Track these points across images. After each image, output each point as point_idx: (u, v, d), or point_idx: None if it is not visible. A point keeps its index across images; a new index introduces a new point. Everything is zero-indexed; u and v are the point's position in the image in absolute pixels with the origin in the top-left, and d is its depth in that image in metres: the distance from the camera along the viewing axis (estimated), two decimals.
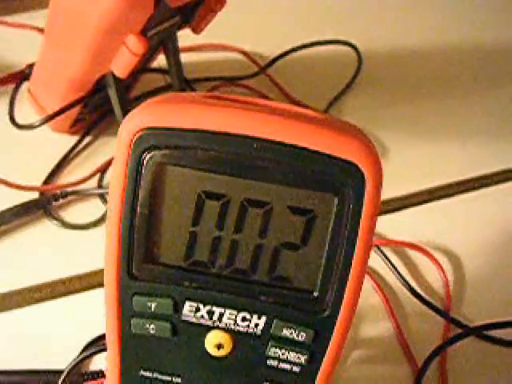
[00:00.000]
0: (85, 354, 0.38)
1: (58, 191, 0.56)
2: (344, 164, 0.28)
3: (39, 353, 0.46)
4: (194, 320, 0.30)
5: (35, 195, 0.57)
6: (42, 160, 0.60)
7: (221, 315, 0.30)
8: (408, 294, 0.52)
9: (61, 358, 0.44)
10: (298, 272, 0.29)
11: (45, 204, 0.56)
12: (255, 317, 0.30)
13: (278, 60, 0.72)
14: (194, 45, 0.71)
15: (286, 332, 0.30)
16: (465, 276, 0.54)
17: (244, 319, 0.30)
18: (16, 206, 0.54)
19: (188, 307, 0.30)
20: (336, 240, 0.29)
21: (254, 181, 0.28)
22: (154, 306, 0.30)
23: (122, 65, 0.48)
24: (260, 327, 0.30)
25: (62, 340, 0.47)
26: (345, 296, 0.29)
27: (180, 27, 0.54)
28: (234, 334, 0.30)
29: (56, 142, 0.61)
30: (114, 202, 0.29)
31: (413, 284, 0.53)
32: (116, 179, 0.29)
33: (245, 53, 0.73)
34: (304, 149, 0.28)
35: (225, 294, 0.30)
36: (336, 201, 0.28)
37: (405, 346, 0.49)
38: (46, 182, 0.58)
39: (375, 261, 0.54)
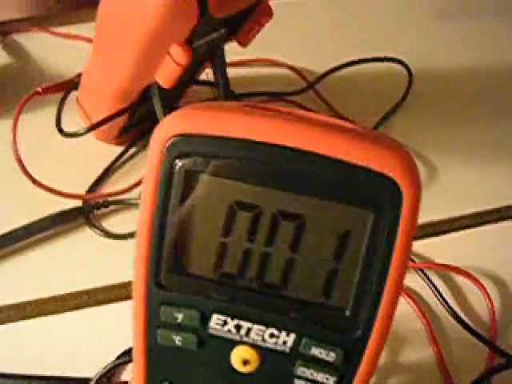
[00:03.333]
0: (112, 363, 0.37)
1: (100, 200, 0.56)
2: (380, 178, 0.26)
3: (72, 360, 0.46)
4: (220, 334, 0.29)
5: (79, 204, 0.57)
6: (87, 169, 0.60)
7: (248, 330, 0.29)
8: (451, 319, 0.50)
9: (92, 367, 0.44)
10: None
11: (87, 212, 0.56)
12: (284, 334, 0.29)
13: (326, 76, 0.71)
14: (242, 59, 0.71)
15: (314, 351, 0.29)
16: None
17: (272, 335, 0.29)
18: (58, 213, 0.55)
19: (215, 320, 0.29)
20: (370, 258, 0.27)
21: (288, 192, 0.27)
22: (180, 316, 0.29)
23: (166, 75, 0.48)
24: (288, 345, 0.29)
25: (95, 349, 0.47)
26: (378, 317, 0.28)
27: (227, 40, 0.54)
28: (262, 351, 0.29)
29: (102, 151, 0.61)
30: (145, 209, 0.29)
31: (457, 310, 0.51)
32: (147, 186, 0.29)
33: (293, 68, 0.72)
34: (339, 161, 0.27)
35: (253, 309, 0.29)
36: (372, 217, 0.27)
37: (446, 373, 0.47)
38: (90, 191, 0.58)
39: (418, 284, 0.52)
